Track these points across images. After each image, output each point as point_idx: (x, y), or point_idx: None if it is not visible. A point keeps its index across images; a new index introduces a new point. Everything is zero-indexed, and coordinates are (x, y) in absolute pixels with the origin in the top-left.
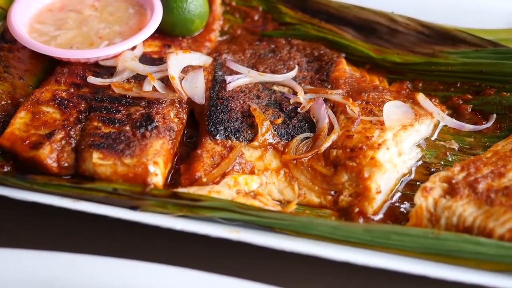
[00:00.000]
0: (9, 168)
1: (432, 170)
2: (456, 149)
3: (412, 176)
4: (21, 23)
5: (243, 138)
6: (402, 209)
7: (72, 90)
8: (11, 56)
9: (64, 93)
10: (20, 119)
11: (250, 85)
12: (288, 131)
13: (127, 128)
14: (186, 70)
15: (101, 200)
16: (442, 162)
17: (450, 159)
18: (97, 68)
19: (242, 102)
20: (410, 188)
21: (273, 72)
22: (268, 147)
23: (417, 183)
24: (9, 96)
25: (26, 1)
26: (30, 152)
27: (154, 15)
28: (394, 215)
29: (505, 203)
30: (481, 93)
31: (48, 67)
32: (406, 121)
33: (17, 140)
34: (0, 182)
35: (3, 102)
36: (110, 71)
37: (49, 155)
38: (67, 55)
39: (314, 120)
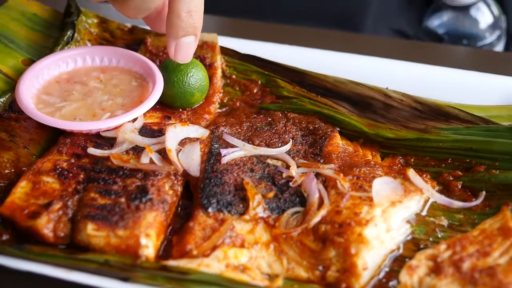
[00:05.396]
0: (8, 237)
1: (421, 246)
2: (446, 225)
3: (401, 252)
4: (28, 94)
5: (235, 211)
6: (390, 286)
7: (73, 161)
8: (18, 126)
9: (65, 163)
10: (21, 189)
11: (245, 158)
12: (279, 205)
13: (122, 200)
14: (184, 142)
15: (93, 271)
16: (431, 239)
17: (439, 235)
18: (98, 138)
19: (236, 175)
20: (398, 264)
21: (268, 145)
22: (259, 220)
23: (406, 259)
24: (13, 165)
25: (34, 73)
26: (28, 222)
27: (155, 88)
28: None
29: (489, 284)
30: (471, 170)
31: (52, 136)
32: (395, 197)
33: (16, 209)
34: None
35: (6, 171)
36: (110, 142)
37: (46, 225)
38: (70, 126)
39: (305, 195)
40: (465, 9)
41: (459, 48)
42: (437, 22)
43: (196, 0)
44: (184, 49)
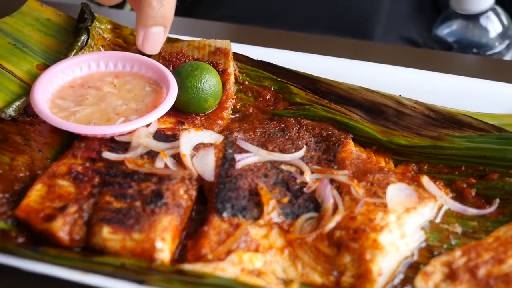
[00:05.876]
0: (23, 239)
1: (435, 253)
2: (459, 232)
3: (415, 258)
4: (43, 98)
5: (249, 216)
6: None
7: (88, 165)
8: (32, 130)
9: (80, 167)
10: (37, 192)
11: (258, 164)
12: (294, 210)
13: (138, 203)
14: (197, 147)
15: (109, 273)
16: (445, 246)
17: (453, 243)
18: (113, 143)
19: (250, 180)
20: (412, 271)
21: (282, 151)
22: (273, 225)
23: (420, 265)
24: (27, 168)
25: (49, 78)
26: (44, 225)
27: (169, 93)
28: None
29: None
30: (484, 178)
31: (66, 140)
32: (409, 204)
33: (32, 212)
34: (13, 253)
35: (21, 174)
36: (124, 146)
37: (61, 228)
38: (85, 131)
39: (319, 200)
40: (475, 18)
41: (469, 57)
42: (447, 30)
43: None
44: (152, 40)
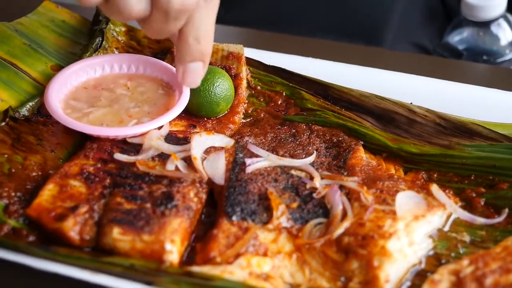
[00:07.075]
0: (34, 238)
1: (443, 261)
2: (468, 241)
3: (423, 266)
4: (56, 99)
5: (259, 220)
6: None
7: (99, 165)
8: (45, 130)
9: (92, 168)
10: (48, 191)
11: (269, 168)
12: (303, 215)
13: (148, 205)
14: (208, 150)
15: (118, 274)
16: (453, 254)
17: (461, 251)
18: (124, 145)
19: (260, 184)
20: (419, 279)
21: (292, 156)
22: (282, 230)
23: (427, 273)
24: (40, 168)
25: (63, 79)
26: (55, 224)
27: (181, 97)
28: None
29: None
30: (494, 187)
31: (79, 141)
32: (418, 211)
33: (43, 211)
34: (24, 251)
35: (34, 174)
36: (136, 148)
37: (72, 228)
38: (97, 132)
39: (329, 206)
40: (486, 25)
41: (481, 66)
42: (458, 37)
43: (205, 27)
44: (190, 74)
